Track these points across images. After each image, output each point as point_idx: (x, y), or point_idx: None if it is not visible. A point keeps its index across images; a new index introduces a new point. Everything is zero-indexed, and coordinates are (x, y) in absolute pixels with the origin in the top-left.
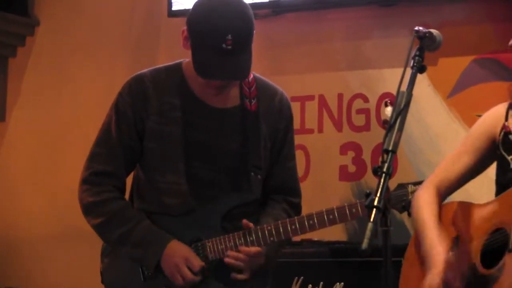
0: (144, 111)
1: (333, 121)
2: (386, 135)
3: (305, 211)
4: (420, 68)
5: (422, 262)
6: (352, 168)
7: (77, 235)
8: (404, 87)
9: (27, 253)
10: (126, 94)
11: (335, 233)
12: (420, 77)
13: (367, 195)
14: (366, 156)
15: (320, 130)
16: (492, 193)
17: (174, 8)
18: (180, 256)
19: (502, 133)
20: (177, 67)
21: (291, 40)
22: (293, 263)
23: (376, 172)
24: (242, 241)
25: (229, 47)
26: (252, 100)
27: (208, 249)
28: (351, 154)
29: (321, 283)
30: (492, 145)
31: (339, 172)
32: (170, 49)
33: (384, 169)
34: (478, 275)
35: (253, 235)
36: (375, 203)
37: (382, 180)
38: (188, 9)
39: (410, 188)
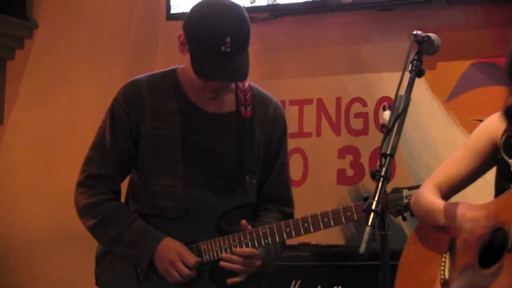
0: (139, 115)
1: (331, 125)
2: (384, 139)
3: (302, 214)
4: (418, 72)
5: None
6: (350, 172)
7: (75, 237)
8: (402, 91)
9: (25, 256)
10: (121, 99)
11: (333, 237)
12: (418, 81)
13: (365, 199)
14: (364, 160)
15: (318, 134)
16: (489, 196)
17: (172, 11)
18: (174, 252)
19: (504, 137)
20: (172, 73)
21: (289, 44)
22: (290, 267)
23: (374, 176)
24: (237, 243)
25: (228, 49)
26: (248, 107)
27: (203, 251)
28: (349, 158)
29: (319, 286)
30: (493, 149)
31: (337, 176)
32: (168, 52)
33: (382, 173)
34: (476, 275)
35: (248, 237)
36: (373, 207)
37: (380, 184)
38: (186, 13)
39: (405, 192)
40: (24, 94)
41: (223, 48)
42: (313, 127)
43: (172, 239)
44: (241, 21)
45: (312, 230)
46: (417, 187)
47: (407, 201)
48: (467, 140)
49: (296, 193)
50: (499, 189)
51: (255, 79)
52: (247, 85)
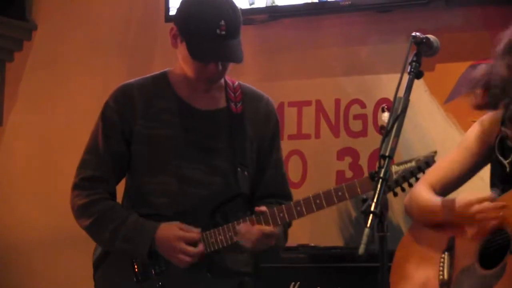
0: (130, 117)
1: (330, 127)
2: (383, 141)
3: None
4: (417, 74)
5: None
6: (349, 174)
7: (75, 238)
8: (401, 93)
9: (25, 257)
10: (112, 102)
11: (332, 239)
12: (417, 82)
13: (364, 200)
14: (363, 162)
15: (317, 136)
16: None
17: (171, 13)
18: (173, 238)
19: (499, 137)
20: (163, 75)
21: (288, 46)
22: (289, 269)
23: (373, 177)
24: (232, 232)
25: (223, 32)
26: (238, 104)
27: (200, 235)
28: (348, 159)
29: None
30: (487, 149)
31: (336, 177)
32: (166, 54)
33: (381, 175)
34: (477, 276)
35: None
36: (372, 208)
37: (379, 185)
38: None
39: (394, 168)
40: (23, 95)
41: (218, 31)
42: (312, 129)
43: (167, 224)
44: (233, 8)
45: (305, 213)
46: (406, 162)
47: (395, 176)
48: (461, 140)
49: (295, 194)
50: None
51: (253, 81)
52: (236, 83)
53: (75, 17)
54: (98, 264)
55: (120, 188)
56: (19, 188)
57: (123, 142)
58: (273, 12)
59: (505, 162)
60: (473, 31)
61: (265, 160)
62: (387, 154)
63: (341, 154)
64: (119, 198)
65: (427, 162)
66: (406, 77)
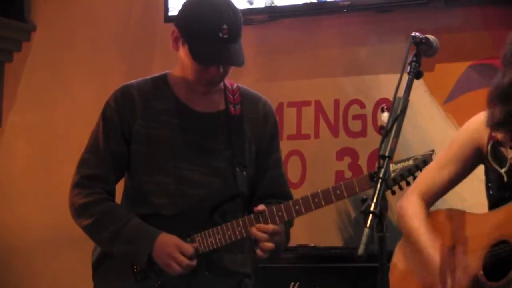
0: (130, 117)
1: (329, 127)
2: (382, 141)
3: (300, 216)
4: (416, 74)
5: (419, 269)
6: (348, 174)
7: (74, 238)
8: (400, 93)
9: (24, 257)
10: (112, 102)
11: (331, 239)
12: (416, 83)
13: (363, 200)
14: (363, 162)
15: (317, 136)
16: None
17: (170, 13)
18: (171, 245)
19: (490, 143)
20: (163, 77)
21: (287, 46)
22: (289, 269)
23: (373, 178)
24: (230, 231)
25: (225, 36)
26: (236, 106)
27: (198, 243)
28: (347, 159)
29: None
30: (476, 153)
31: (335, 177)
32: (166, 54)
33: (381, 175)
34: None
35: (241, 224)
36: (371, 208)
37: (378, 185)
38: None
39: (392, 166)
40: (22, 96)
41: (220, 34)
42: (311, 129)
43: (168, 234)
44: (234, 11)
45: (304, 212)
46: (404, 161)
47: (393, 175)
48: (448, 145)
49: (295, 194)
50: (496, 200)
51: (253, 81)
52: (235, 86)
53: (74, 18)
54: (97, 265)
55: (119, 189)
56: (19, 188)
57: (122, 142)
58: (272, 13)
59: (502, 171)
60: (472, 31)
61: (265, 161)
62: (386, 154)
63: (341, 154)
64: (118, 197)
65: (425, 161)
66: (405, 77)
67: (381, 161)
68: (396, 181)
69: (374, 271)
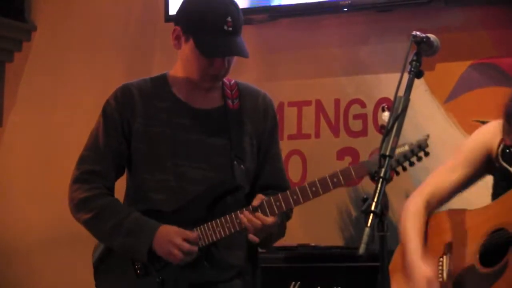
0: (130, 114)
1: (330, 126)
2: (383, 140)
3: (301, 215)
4: (417, 73)
5: (406, 273)
6: None
7: (74, 238)
8: (401, 92)
9: (24, 257)
10: (112, 100)
11: (332, 238)
12: (417, 82)
13: (364, 200)
14: None
15: (317, 135)
16: (489, 199)
17: (171, 12)
18: (172, 233)
19: (501, 146)
20: (162, 76)
21: (287, 46)
22: (289, 268)
23: (373, 177)
24: (230, 224)
25: (230, 28)
26: (235, 100)
27: (198, 236)
28: (348, 159)
29: (318, 287)
30: (486, 158)
31: None
32: (166, 53)
33: (381, 174)
34: (478, 275)
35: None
36: (372, 208)
37: (379, 185)
38: None
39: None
40: (23, 96)
41: (225, 27)
42: (312, 129)
43: (169, 225)
44: (236, 5)
45: (302, 201)
46: (400, 146)
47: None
48: (461, 147)
49: None
50: (498, 196)
51: (253, 81)
52: (232, 81)
53: (74, 17)
54: (98, 264)
55: (119, 188)
56: (19, 188)
57: (123, 140)
58: (272, 12)
59: (511, 169)
60: (472, 30)
61: (265, 155)
62: (387, 153)
63: (341, 153)
64: (118, 197)
65: (420, 146)
66: (406, 77)
67: (382, 160)
68: (392, 167)
69: (375, 270)
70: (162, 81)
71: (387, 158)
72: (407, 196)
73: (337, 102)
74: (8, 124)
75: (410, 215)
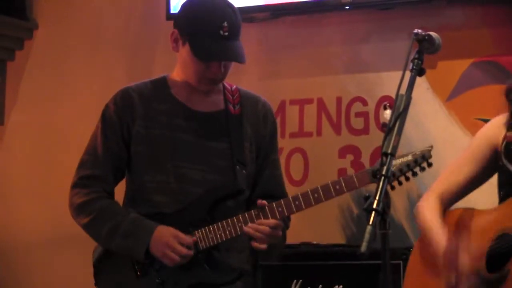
0: (130, 118)
1: (331, 125)
2: (385, 138)
3: (303, 213)
4: (419, 71)
5: (432, 264)
6: (351, 172)
7: (74, 238)
8: (403, 90)
9: (24, 258)
10: (112, 104)
11: (334, 236)
12: (419, 80)
13: (366, 198)
14: (365, 160)
15: (319, 134)
16: (493, 199)
17: (172, 11)
18: (169, 235)
19: (504, 143)
20: (162, 79)
21: (289, 44)
22: (291, 266)
23: (375, 175)
24: (231, 227)
25: (226, 33)
26: (236, 106)
27: (198, 239)
28: (349, 157)
29: (320, 286)
30: (494, 155)
31: (337, 175)
32: (167, 53)
33: (383, 172)
34: (483, 280)
35: (241, 219)
36: (374, 206)
37: (381, 183)
38: None
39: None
40: (24, 95)
41: (221, 32)
42: (314, 127)
43: (166, 226)
44: (232, 9)
45: (303, 207)
46: (403, 155)
47: (393, 169)
48: (467, 146)
49: (297, 192)
50: (506, 197)
51: (255, 79)
52: (234, 87)
53: (76, 16)
54: (98, 264)
55: (119, 191)
56: (19, 187)
57: (122, 143)
58: (274, 10)
59: None
60: (474, 28)
61: (264, 161)
62: (389, 151)
63: (343, 152)
64: (119, 200)
65: (423, 156)
66: (408, 75)
67: (384, 159)
68: (395, 176)
69: (377, 268)
70: (162, 83)
71: (389, 156)
72: (408, 194)
73: (339, 100)
74: (9, 122)
75: (426, 210)
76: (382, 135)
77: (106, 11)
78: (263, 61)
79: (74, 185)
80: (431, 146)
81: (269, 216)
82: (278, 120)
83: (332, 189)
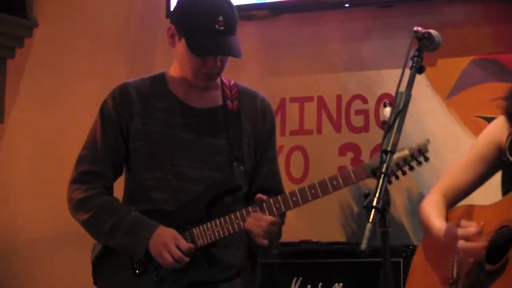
0: (128, 114)
1: (331, 122)
2: (384, 136)
3: (302, 211)
4: (419, 69)
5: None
6: None
7: (75, 237)
8: (403, 88)
9: (24, 256)
10: (110, 99)
11: (334, 234)
12: (419, 77)
13: (366, 195)
14: (365, 157)
15: (319, 131)
16: (495, 197)
17: (172, 8)
18: (168, 236)
19: (509, 139)
20: (160, 75)
21: (289, 41)
22: (292, 264)
23: (375, 172)
24: (228, 224)
25: (222, 28)
26: (234, 101)
27: (196, 236)
28: (349, 155)
29: (320, 283)
30: (498, 153)
31: None
32: (167, 50)
33: (383, 170)
34: (483, 272)
35: (239, 216)
36: (374, 203)
37: (380, 180)
38: None
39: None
40: (24, 93)
41: (217, 26)
42: (314, 125)
43: (167, 227)
44: (228, 4)
45: (301, 203)
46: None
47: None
48: (472, 145)
49: None
50: (507, 192)
51: (255, 77)
52: (232, 82)
53: (76, 14)
54: (97, 262)
55: (118, 188)
56: (20, 186)
57: (120, 139)
58: (274, 8)
59: None
60: (474, 26)
61: (262, 157)
62: (389, 149)
63: (343, 149)
64: (118, 197)
65: (420, 150)
66: (408, 72)
67: (384, 156)
68: (392, 171)
69: (377, 266)
70: (160, 80)
71: (389, 154)
72: (408, 191)
73: (339, 98)
74: (9, 121)
75: (427, 205)
76: (382, 132)
77: (106, 9)
78: (263, 59)
79: (73, 181)
80: (428, 140)
81: (267, 212)
82: (278, 118)
83: (329, 185)
